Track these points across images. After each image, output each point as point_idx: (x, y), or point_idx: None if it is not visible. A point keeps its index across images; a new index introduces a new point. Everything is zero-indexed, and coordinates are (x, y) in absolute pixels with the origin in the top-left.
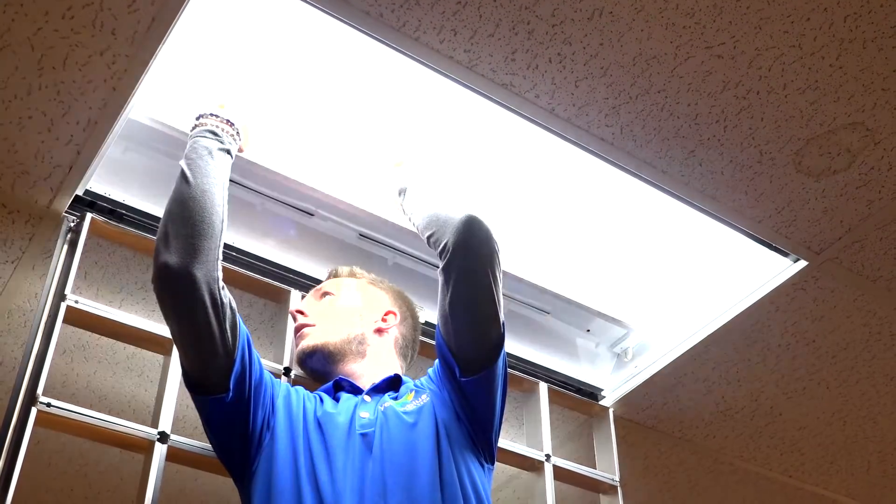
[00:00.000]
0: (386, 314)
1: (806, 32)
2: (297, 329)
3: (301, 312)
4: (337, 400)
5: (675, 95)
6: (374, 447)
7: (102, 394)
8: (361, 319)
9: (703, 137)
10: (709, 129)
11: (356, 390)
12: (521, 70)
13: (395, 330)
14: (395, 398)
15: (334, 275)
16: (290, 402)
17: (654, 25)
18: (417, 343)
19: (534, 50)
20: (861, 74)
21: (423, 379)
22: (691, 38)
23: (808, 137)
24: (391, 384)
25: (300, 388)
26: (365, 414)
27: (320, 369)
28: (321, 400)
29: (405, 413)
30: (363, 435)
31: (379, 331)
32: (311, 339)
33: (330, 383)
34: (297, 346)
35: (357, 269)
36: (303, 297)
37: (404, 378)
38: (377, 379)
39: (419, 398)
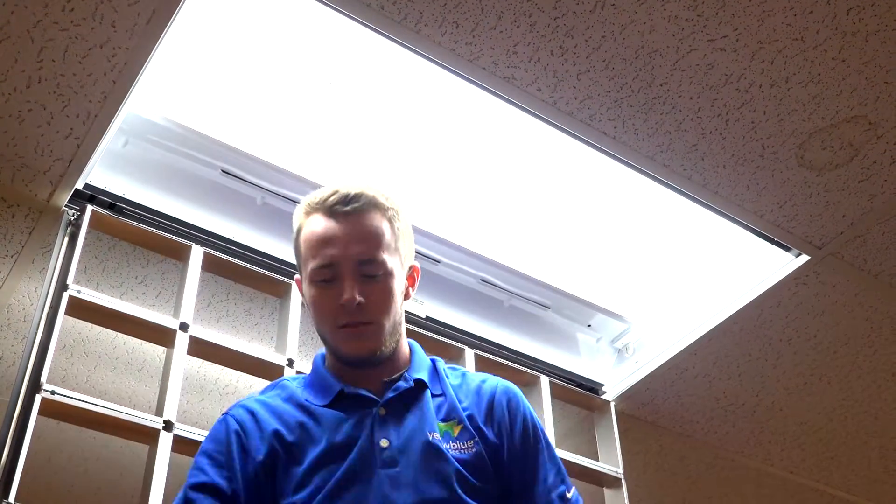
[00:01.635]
0: (411, 273)
1: (809, 25)
2: (349, 325)
3: (359, 304)
4: (321, 410)
5: (678, 89)
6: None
7: (103, 389)
8: (401, 295)
9: (705, 131)
10: (711, 123)
11: (368, 402)
12: (522, 63)
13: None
14: (429, 425)
15: (349, 208)
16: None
17: (657, 18)
18: None
19: (536, 43)
20: (864, 68)
21: (458, 386)
22: (694, 31)
23: (811, 131)
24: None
25: (245, 411)
26: (385, 443)
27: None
28: (287, 416)
29: (457, 454)
30: (389, 476)
31: (406, 297)
32: (372, 340)
33: (333, 394)
34: (347, 342)
35: (377, 192)
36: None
37: (439, 367)
38: (395, 372)
39: (466, 440)
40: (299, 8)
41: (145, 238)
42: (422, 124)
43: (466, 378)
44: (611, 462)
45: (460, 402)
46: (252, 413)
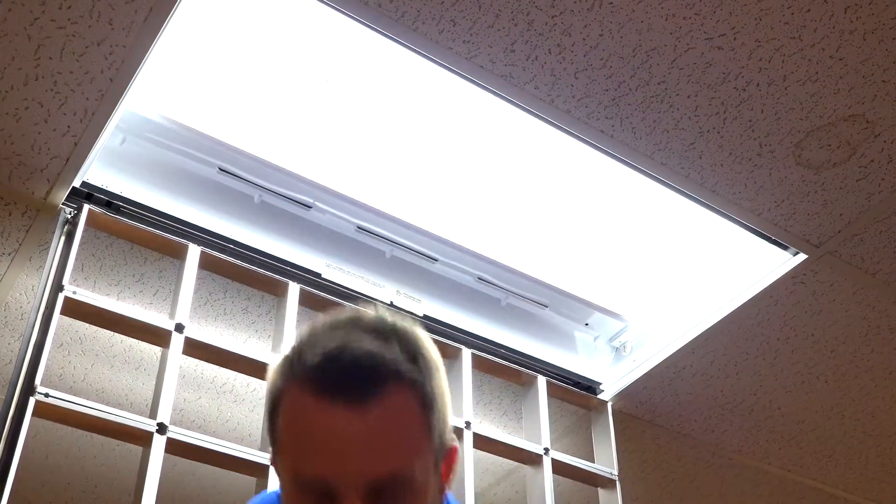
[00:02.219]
0: (449, 455)
1: (806, 24)
2: None
3: None
4: None
5: (675, 87)
6: None
7: (100, 387)
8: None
9: (702, 129)
10: (708, 122)
11: None
12: (520, 61)
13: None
14: None
15: (369, 393)
16: None
17: (654, 16)
18: None
19: (533, 41)
20: (861, 66)
21: None
22: (691, 29)
23: (808, 130)
24: None
25: None
26: None
27: None
28: None
29: None
30: None
31: (443, 493)
32: None
33: None
34: None
35: (396, 349)
36: (300, 290)
37: None
38: None
39: None
40: (297, 6)
41: (142, 236)
42: (419, 122)
43: None
44: (606, 462)
45: None
46: None
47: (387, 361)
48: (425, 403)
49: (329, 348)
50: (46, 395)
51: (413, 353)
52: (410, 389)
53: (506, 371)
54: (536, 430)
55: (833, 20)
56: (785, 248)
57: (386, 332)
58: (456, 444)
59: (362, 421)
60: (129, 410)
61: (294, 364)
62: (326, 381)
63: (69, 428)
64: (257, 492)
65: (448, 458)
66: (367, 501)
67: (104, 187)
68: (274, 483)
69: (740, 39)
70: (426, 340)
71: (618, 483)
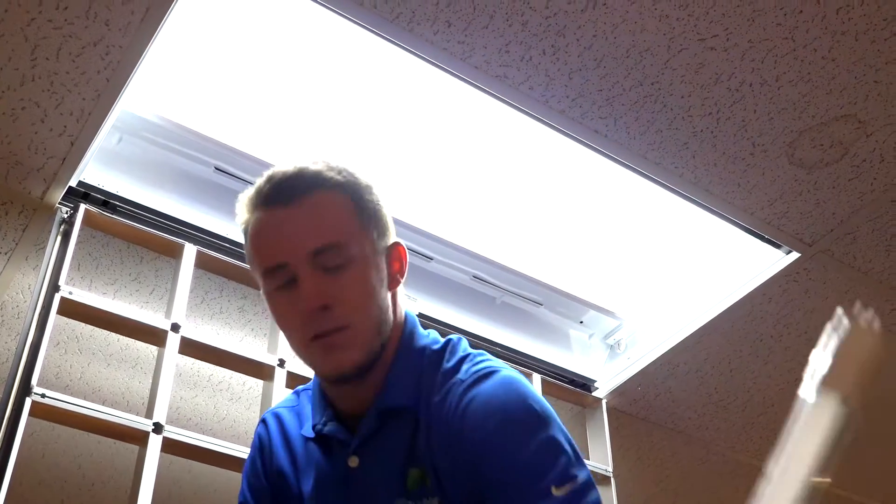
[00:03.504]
0: (395, 252)
1: (798, 25)
2: (323, 334)
3: (325, 306)
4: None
5: (669, 87)
6: None
7: (96, 385)
8: (382, 282)
9: (696, 129)
10: (702, 122)
11: (341, 445)
12: (515, 62)
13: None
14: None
15: (285, 195)
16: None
17: (648, 17)
18: None
19: (528, 42)
20: (853, 67)
21: (440, 402)
22: (685, 30)
23: (801, 129)
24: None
25: (264, 428)
26: None
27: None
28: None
29: None
30: None
31: (396, 284)
32: (352, 349)
33: (318, 425)
34: (322, 358)
35: (323, 166)
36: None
37: (426, 374)
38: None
39: (428, 498)
40: (292, 6)
41: (139, 236)
42: (414, 122)
43: (452, 389)
44: (601, 460)
45: (435, 432)
46: (268, 429)
47: (313, 173)
48: (354, 203)
49: (268, 176)
50: (43, 396)
51: (341, 170)
52: (338, 193)
53: None
54: None
55: (825, 21)
56: (778, 246)
57: (318, 162)
58: (401, 242)
59: (297, 211)
60: (125, 409)
61: (248, 195)
62: (266, 195)
63: (65, 427)
64: None
65: (394, 253)
66: (314, 267)
67: (100, 187)
68: None
69: (733, 40)
70: (360, 173)
71: (613, 480)
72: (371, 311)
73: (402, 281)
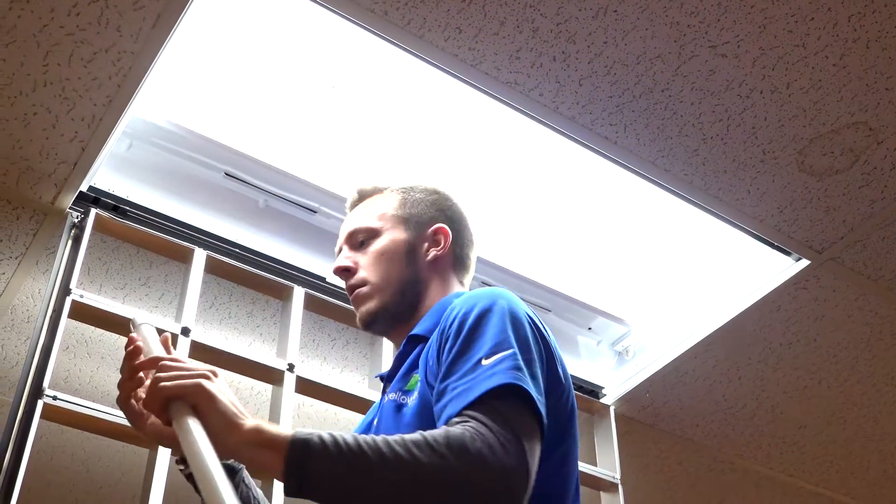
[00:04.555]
0: (435, 233)
1: (810, 32)
2: (350, 291)
3: (346, 270)
4: None
5: (679, 94)
6: None
7: (105, 389)
8: (410, 254)
9: (706, 136)
10: (712, 129)
11: (383, 379)
12: (525, 68)
13: (451, 248)
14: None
15: (354, 202)
16: None
17: (659, 24)
18: (474, 256)
19: (538, 48)
20: (864, 74)
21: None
22: (695, 37)
23: (811, 137)
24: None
25: None
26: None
27: (395, 340)
28: None
29: (410, 408)
30: None
31: (435, 260)
32: (368, 301)
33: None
34: (355, 310)
35: (380, 184)
36: (305, 294)
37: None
38: None
39: (415, 390)
40: (303, 13)
41: (149, 240)
42: (424, 129)
43: (452, 308)
44: (608, 466)
45: (433, 340)
46: None
47: (359, 191)
48: (401, 198)
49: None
50: (55, 398)
51: (378, 186)
52: (389, 192)
53: None
54: None
55: (836, 28)
56: (788, 253)
57: (371, 181)
58: (443, 225)
59: (353, 211)
60: None
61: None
62: (349, 203)
63: (75, 430)
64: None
65: (429, 235)
66: (347, 244)
67: (111, 192)
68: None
69: (744, 47)
70: (402, 180)
71: (620, 487)
72: (384, 271)
73: (440, 255)
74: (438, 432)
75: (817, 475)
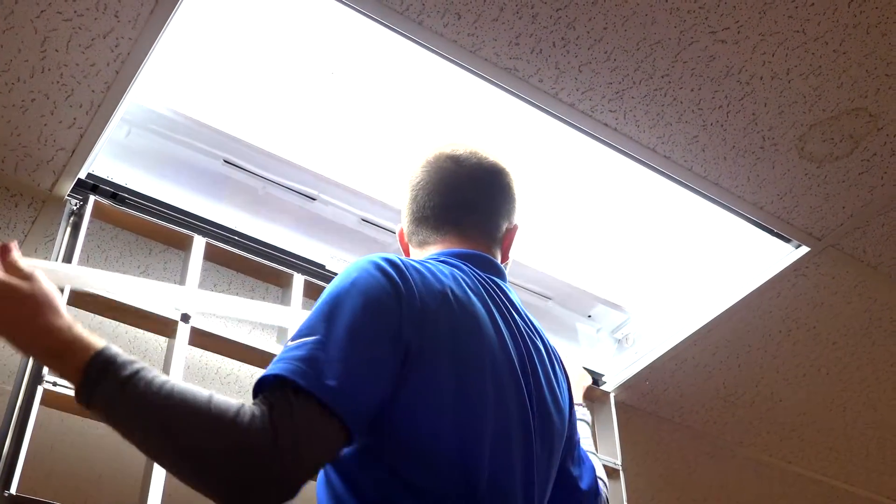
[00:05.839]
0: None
1: (810, 17)
2: None
3: None
4: None
5: (679, 80)
6: None
7: None
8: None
9: (705, 123)
10: (712, 115)
11: None
12: (524, 54)
13: (411, 215)
14: None
15: None
16: None
17: (659, 10)
18: (429, 208)
19: (538, 34)
20: (865, 60)
21: None
22: (695, 22)
23: (811, 123)
24: None
25: None
26: None
27: None
28: None
29: None
30: None
31: (400, 238)
32: None
33: None
34: None
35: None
36: (305, 281)
37: None
38: None
39: None
40: None
41: (147, 228)
42: (423, 115)
43: None
44: (609, 453)
45: None
46: None
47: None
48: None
49: None
50: (54, 384)
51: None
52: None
53: None
54: None
55: (837, 14)
56: (787, 240)
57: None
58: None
59: None
60: None
61: None
62: None
63: (75, 418)
64: None
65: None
66: None
67: (110, 179)
68: None
69: (744, 33)
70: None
71: (621, 473)
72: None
73: (400, 233)
74: (226, 401)
75: (816, 462)
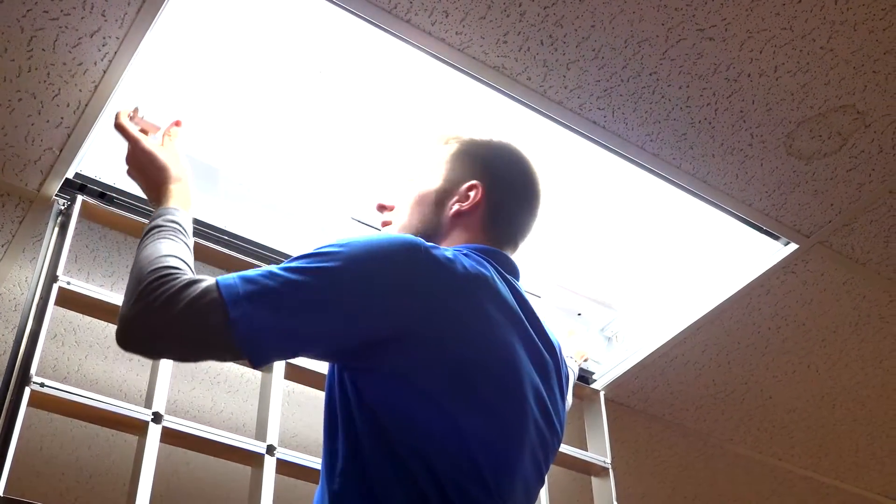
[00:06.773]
0: (468, 189)
1: (797, 15)
2: (382, 227)
3: (381, 207)
4: None
5: (667, 78)
6: None
7: (94, 378)
8: (438, 204)
9: (693, 120)
10: (700, 112)
11: None
12: (512, 52)
13: (484, 205)
14: None
15: (435, 142)
16: None
17: (646, 7)
18: (526, 216)
19: (525, 32)
20: (852, 57)
21: None
22: (683, 20)
23: (799, 120)
24: None
25: None
26: None
27: None
28: None
29: None
30: None
31: (458, 214)
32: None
33: None
34: None
35: (453, 133)
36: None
37: None
38: None
39: None
40: None
41: (136, 228)
42: (411, 114)
43: None
44: (599, 451)
45: None
46: None
47: (458, 132)
48: (455, 149)
49: None
50: (42, 385)
51: (472, 133)
52: (453, 142)
53: None
54: None
55: (824, 11)
56: (776, 238)
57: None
58: (476, 182)
59: (426, 156)
60: (123, 402)
61: None
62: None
63: (63, 418)
64: (252, 481)
65: (467, 188)
66: (402, 178)
67: (98, 178)
68: (269, 476)
69: (731, 30)
70: (455, 131)
71: (611, 471)
72: (411, 217)
73: (464, 210)
74: (192, 280)
75: (806, 458)
